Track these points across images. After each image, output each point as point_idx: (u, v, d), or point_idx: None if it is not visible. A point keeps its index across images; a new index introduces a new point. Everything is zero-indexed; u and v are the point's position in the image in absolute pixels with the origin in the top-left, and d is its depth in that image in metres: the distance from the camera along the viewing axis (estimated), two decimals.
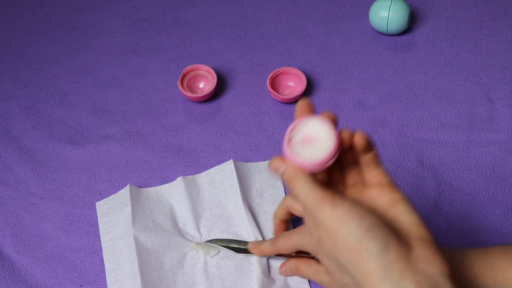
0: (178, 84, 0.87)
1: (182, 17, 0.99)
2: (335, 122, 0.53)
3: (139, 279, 0.69)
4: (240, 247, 0.71)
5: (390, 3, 0.90)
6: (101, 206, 0.78)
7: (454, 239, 0.74)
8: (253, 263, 0.71)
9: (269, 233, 0.74)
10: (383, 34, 0.94)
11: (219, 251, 0.73)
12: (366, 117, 0.85)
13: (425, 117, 0.85)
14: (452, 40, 0.93)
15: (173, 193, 0.78)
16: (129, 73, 0.92)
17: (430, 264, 0.47)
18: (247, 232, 0.73)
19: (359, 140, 0.52)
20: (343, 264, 0.50)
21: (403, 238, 0.49)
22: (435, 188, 0.78)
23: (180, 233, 0.75)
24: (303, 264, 0.66)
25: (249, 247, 0.70)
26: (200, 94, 0.86)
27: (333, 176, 0.56)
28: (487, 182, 0.78)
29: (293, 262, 0.67)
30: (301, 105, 0.54)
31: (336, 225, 0.49)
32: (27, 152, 0.84)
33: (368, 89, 0.88)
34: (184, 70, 0.88)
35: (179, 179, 0.78)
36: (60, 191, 0.80)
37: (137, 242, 0.72)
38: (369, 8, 0.94)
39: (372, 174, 0.54)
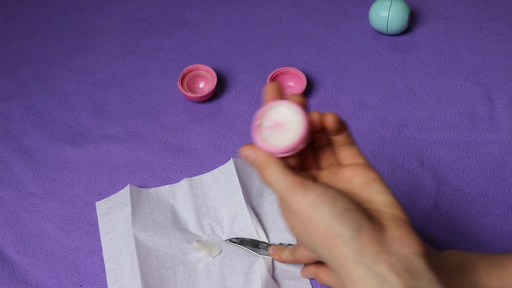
0: (178, 84, 0.87)
1: (182, 17, 0.99)
2: (304, 106, 0.52)
3: (139, 279, 0.69)
4: (260, 249, 0.71)
5: (390, 3, 0.90)
6: (101, 206, 0.78)
7: (454, 239, 0.74)
8: (259, 262, 0.71)
9: (269, 233, 0.74)
10: (383, 34, 0.94)
11: (221, 251, 0.73)
12: (366, 117, 0.85)
13: (425, 117, 0.85)
14: (452, 40, 0.93)
15: (174, 193, 0.78)
16: (129, 73, 0.93)
17: (403, 244, 0.47)
18: (249, 232, 0.74)
19: (330, 121, 0.51)
20: (318, 251, 0.50)
21: (376, 220, 0.48)
22: (435, 188, 0.78)
23: (182, 231, 0.75)
24: (322, 272, 0.65)
25: (270, 252, 0.69)
26: (200, 94, 0.86)
27: (307, 160, 0.55)
28: (487, 182, 0.78)
29: (312, 269, 0.67)
30: (270, 89, 0.53)
31: (308, 211, 0.48)
32: (27, 152, 0.84)
33: (368, 89, 0.88)
34: (184, 70, 0.88)
35: (184, 181, 0.79)
36: (60, 191, 0.80)
37: (137, 241, 0.73)
38: (369, 8, 0.94)
39: (346, 155, 0.54)
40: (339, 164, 0.54)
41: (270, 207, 0.76)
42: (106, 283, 0.72)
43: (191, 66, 0.89)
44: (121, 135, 0.85)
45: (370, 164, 0.53)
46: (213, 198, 0.77)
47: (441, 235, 0.74)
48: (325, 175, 0.54)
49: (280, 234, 0.74)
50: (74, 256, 0.75)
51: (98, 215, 0.77)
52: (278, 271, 0.71)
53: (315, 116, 0.52)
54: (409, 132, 0.83)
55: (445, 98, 0.87)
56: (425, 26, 0.95)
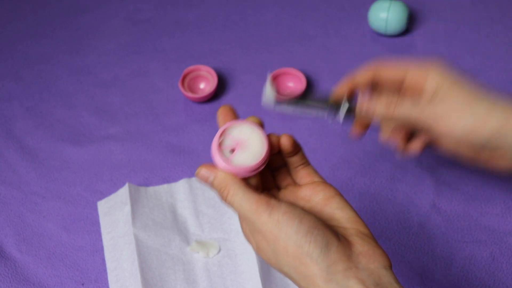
0: (179, 84, 0.87)
1: (183, 18, 0.99)
2: (262, 126, 0.52)
3: (139, 278, 0.70)
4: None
5: (389, 5, 0.90)
6: (102, 206, 0.78)
7: (453, 239, 0.74)
8: (254, 261, 0.72)
9: None
10: (382, 35, 0.94)
11: (219, 251, 0.73)
12: None
13: None
14: (450, 42, 0.93)
15: (173, 192, 0.78)
16: (130, 73, 0.93)
17: (370, 259, 0.47)
18: None
19: (286, 143, 0.51)
20: (286, 271, 0.49)
21: (342, 236, 0.48)
22: (434, 187, 0.78)
23: (181, 230, 0.75)
24: (394, 102, 0.61)
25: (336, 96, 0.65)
26: (200, 94, 0.87)
27: (266, 180, 0.55)
28: (485, 181, 0.78)
29: (382, 101, 0.62)
30: (222, 111, 0.53)
31: (275, 231, 0.48)
32: (30, 152, 0.85)
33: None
34: (185, 70, 0.89)
35: (183, 180, 0.79)
36: (62, 190, 0.81)
37: (137, 241, 0.73)
38: (368, 9, 0.95)
39: (302, 174, 0.54)
40: (296, 184, 0.54)
41: None
42: (108, 282, 0.72)
43: (192, 66, 0.89)
44: (123, 135, 0.86)
45: (327, 182, 0.53)
46: (213, 198, 0.78)
47: (439, 235, 0.74)
48: (285, 194, 0.54)
49: None
50: (76, 255, 0.75)
51: (99, 215, 0.78)
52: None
53: (273, 138, 0.52)
54: None
55: None
56: (424, 28, 0.95)
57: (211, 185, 0.51)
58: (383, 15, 0.91)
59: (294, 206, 0.49)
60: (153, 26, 0.99)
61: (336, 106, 0.64)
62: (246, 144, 0.51)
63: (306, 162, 0.54)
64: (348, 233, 0.49)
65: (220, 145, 0.51)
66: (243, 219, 0.51)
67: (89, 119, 0.88)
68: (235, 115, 0.53)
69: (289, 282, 0.71)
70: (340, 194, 0.52)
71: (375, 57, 0.92)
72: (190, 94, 0.87)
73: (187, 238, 0.75)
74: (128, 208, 0.76)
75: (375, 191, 0.78)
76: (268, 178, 0.55)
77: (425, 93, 0.61)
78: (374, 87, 0.65)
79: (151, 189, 0.79)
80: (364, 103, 0.63)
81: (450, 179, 0.79)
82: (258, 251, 0.51)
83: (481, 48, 0.92)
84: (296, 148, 0.53)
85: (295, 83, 0.88)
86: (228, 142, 0.51)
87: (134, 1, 1.02)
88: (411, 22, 0.96)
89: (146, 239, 0.73)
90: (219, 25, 0.98)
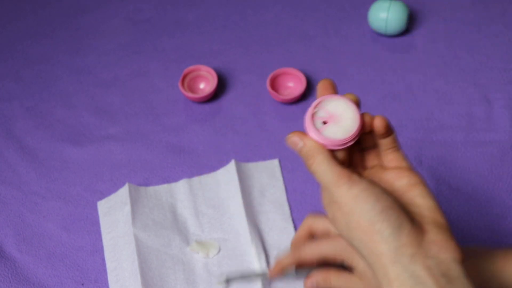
0: (179, 84, 0.87)
1: (183, 18, 0.99)
2: (358, 105, 0.53)
3: (139, 278, 0.70)
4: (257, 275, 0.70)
5: (389, 4, 0.90)
6: (102, 206, 0.78)
7: None
8: (254, 262, 0.72)
9: (269, 232, 0.75)
10: (382, 35, 0.94)
11: (219, 251, 0.73)
12: None
13: (424, 118, 0.85)
14: (450, 41, 0.93)
15: (173, 192, 0.78)
16: (130, 73, 0.93)
17: (442, 249, 0.47)
18: (245, 232, 0.74)
19: (379, 124, 0.52)
20: (356, 245, 0.50)
21: (417, 222, 0.49)
22: (434, 188, 0.78)
23: (181, 230, 0.75)
24: (333, 275, 0.65)
25: (270, 273, 0.69)
26: (200, 94, 0.87)
27: (354, 158, 0.55)
28: (485, 181, 0.78)
29: (321, 274, 0.66)
30: (323, 83, 0.54)
31: (351, 205, 0.49)
32: (30, 152, 0.85)
33: (367, 90, 0.89)
34: (185, 70, 0.89)
35: (183, 180, 0.79)
36: (62, 190, 0.81)
37: (137, 241, 0.73)
38: (368, 9, 0.95)
39: (390, 158, 0.54)
40: (383, 166, 0.55)
41: (271, 206, 0.77)
42: (108, 282, 0.72)
43: (192, 66, 0.89)
44: (123, 135, 0.86)
45: (414, 169, 0.54)
46: (213, 198, 0.78)
47: None
48: (369, 174, 0.55)
49: (280, 234, 0.75)
50: (76, 255, 0.75)
51: (99, 215, 0.78)
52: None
53: (366, 118, 0.52)
54: (407, 132, 0.84)
55: (443, 99, 0.87)
56: (424, 27, 0.95)
57: (299, 152, 0.52)
58: (383, 15, 0.91)
59: (374, 184, 0.50)
60: (153, 26, 0.99)
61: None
62: (338, 118, 0.52)
63: (396, 147, 0.54)
64: (424, 220, 0.49)
65: (313, 115, 0.52)
66: (324, 189, 0.52)
67: (89, 119, 0.88)
68: (335, 90, 0.54)
69: (289, 282, 0.71)
70: (424, 183, 0.52)
71: (375, 56, 0.92)
72: (190, 94, 0.87)
73: (187, 238, 0.75)
74: (128, 208, 0.76)
75: None
76: (357, 156, 0.55)
77: (356, 273, 0.64)
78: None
79: (151, 189, 0.79)
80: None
81: (450, 180, 0.79)
82: (332, 221, 0.52)
83: (481, 48, 0.92)
84: (389, 130, 0.53)
85: (295, 83, 0.88)
86: (322, 114, 0.52)
87: (134, 1, 1.02)
88: (411, 22, 0.96)
89: (146, 239, 0.73)
90: (219, 25, 0.98)
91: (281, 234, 0.75)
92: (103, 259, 0.74)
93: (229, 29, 0.97)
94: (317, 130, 0.51)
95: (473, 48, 0.92)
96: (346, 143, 0.51)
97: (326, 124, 0.51)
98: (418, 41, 0.94)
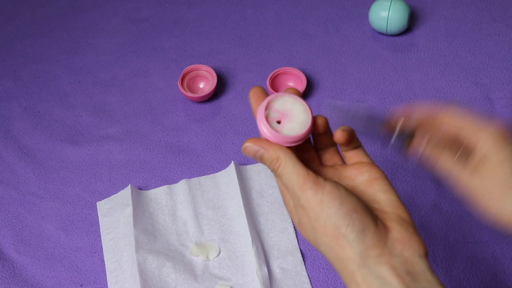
0: (178, 84, 0.87)
1: (182, 17, 0.99)
2: (300, 96, 0.53)
3: (139, 280, 0.70)
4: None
5: (390, 3, 0.90)
6: (102, 206, 0.78)
7: (454, 239, 0.74)
8: (254, 262, 0.71)
9: (269, 232, 0.74)
10: (383, 34, 0.94)
11: (219, 253, 0.73)
12: None
13: None
14: (451, 40, 0.93)
15: (173, 194, 0.78)
16: (129, 73, 0.93)
17: (406, 247, 0.47)
18: (245, 233, 0.74)
19: (319, 122, 0.52)
20: (323, 250, 0.50)
21: (380, 221, 0.49)
22: (435, 187, 0.78)
23: (180, 233, 0.75)
24: (444, 151, 0.58)
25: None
26: (200, 94, 0.86)
27: (307, 154, 0.55)
28: None
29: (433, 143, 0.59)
30: (255, 91, 0.53)
31: (317, 210, 0.48)
32: (28, 152, 0.84)
33: (367, 89, 0.88)
34: (184, 70, 0.88)
35: (183, 181, 0.79)
36: (61, 191, 0.81)
37: (137, 242, 0.73)
38: (369, 8, 0.94)
39: (350, 154, 0.54)
40: (343, 163, 0.55)
41: (270, 207, 0.77)
42: (107, 283, 0.72)
43: (191, 66, 0.89)
44: (121, 135, 0.85)
45: (374, 163, 0.54)
46: (212, 199, 0.77)
47: (440, 235, 0.74)
48: (328, 171, 0.54)
49: (280, 234, 0.75)
50: (75, 256, 0.75)
51: (99, 215, 0.77)
52: (277, 271, 0.72)
53: (320, 120, 0.52)
54: None
55: (444, 98, 0.87)
56: (425, 26, 0.95)
57: (261, 158, 0.51)
58: (384, 14, 0.90)
59: (338, 186, 0.49)
60: (152, 25, 0.99)
61: (390, 133, 0.62)
62: (291, 114, 0.51)
63: (358, 146, 0.54)
64: (387, 217, 0.49)
65: (267, 116, 0.51)
66: (290, 193, 0.51)
67: (88, 119, 0.87)
68: (267, 94, 0.53)
69: (289, 283, 0.71)
70: (385, 177, 0.52)
71: (376, 56, 0.92)
72: (189, 94, 0.86)
73: (187, 240, 0.74)
74: (129, 209, 0.75)
75: None
76: (312, 155, 0.55)
77: (474, 156, 0.56)
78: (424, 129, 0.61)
79: (152, 192, 0.78)
80: (420, 144, 0.60)
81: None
82: (298, 226, 0.51)
83: (482, 47, 0.92)
84: (349, 139, 0.52)
85: (295, 83, 0.88)
86: (274, 115, 0.51)
87: (133, 0, 1.02)
88: (412, 21, 0.95)
89: (146, 242, 0.73)
90: (219, 24, 0.98)
91: (281, 235, 0.74)
92: (102, 260, 0.74)
93: (229, 28, 0.97)
94: (276, 131, 0.51)
95: (474, 47, 0.92)
96: (305, 136, 0.51)
97: (281, 123, 0.51)
98: (419, 40, 0.93)
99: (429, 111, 0.60)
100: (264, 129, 0.51)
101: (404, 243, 0.48)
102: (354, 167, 0.53)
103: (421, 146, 0.60)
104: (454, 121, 0.59)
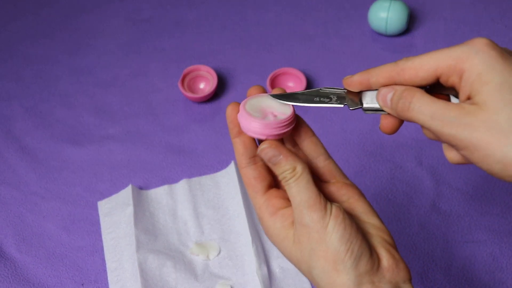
0: (179, 84, 0.87)
1: (183, 18, 0.99)
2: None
3: (139, 279, 0.70)
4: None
5: (389, 4, 0.90)
6: (103, 206, 0.78)
7: (453, 239, 0.74)
8: (254, 262, 0.72)
9: None
10: (382, 35, 0.94)
11: (219, 252, 0.73)
12: (365, 118, 0.85)
13: None
14: (450, 41, 0.93)
15: (173, 194, 0.78)
16: (130, 73, 0.93)
17: (394, 273, 0.48)
18: (245, 233, 0.74)
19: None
20: (315, 273, 0.49)
21: (372, 247, 0.49)
22: (434, 187, 0.78)
23: (181, 233, 0.75)
24: (417, 93, 0.49)
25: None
26: (200, 94, 0.87)
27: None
28: (485, 181, 0.78)
29: (401, 87, 0.51)
30: (231, 109, 0.52)
31: (322, 233, 0.48)
32: (29, 152, 0.85)
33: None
34: (184, 70, 0.89)
35: (183, 181, 0.79)
36: (62, 190, 0.81)
37: (138, 242, 0.73)
38: (368, 9, 0.95)
39: (323, 171, 0.53)
40: (319, 178, 0.53)
41: None
42: (107, 282, 0.72)
43: (192, 66, 0.89)
44: (122, 135, 0.86)
45: (351, 182, 0.53)
46: (212, 199, 0.78)
47: (439, 235, 0.74)
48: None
49: None
50: (76, 255, 0.75)
51: (100, 215, 0.78)
52: (277, 270, 0.72)
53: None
54: (407, 132, 0.83)
55: None
56: (424, 27, 0.95)
57: (275, 164, 0.49)
58: (383, 14, 0.90)
59: (342, 209, 0.48)
60: (153, 26, 0.99)
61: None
62: (270, 108, 0.51)
63: (322, 153, 0.53)
64: (374, 241, 0.50)
65: (250, 116, 0.50)
66: (294, 206, 0.49)
67: (89, 119, 0.88)
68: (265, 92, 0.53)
69: (289, 282, 0.71)
70: (363, 196, 0.52)
71: (375, 56, 0.92)
72: (190, 94, 0.87)
73: (187, 240, 0.75)
74: (130, 209, 0.76)
75: (375, 191, 0.78)
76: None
77: (460, 94, 0.47)
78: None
79: (152, 192, 0.79)
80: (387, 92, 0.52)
81: (450, 179, 0.79)
82: (294, 243, 0.50)
83: None
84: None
85: (295, 83, 0.88)
86: (256, 114, 0.50)
87: (134, 1, 1.02)
88: (412, 21, 0.96)
89: (146, 241, 0.73)
90: (219, 25, 0.98)
91: None
92: (103, 260, 0.74)
93: (229, 29, 0.97)
94: (260, 118, 0.49)
95: None
96: (293, 116, 0.50)
97: (263, 116, 0.50)
98: (418, 41, 0.94)
99: (389, 73, 0.54)
100: (253, 123, 0.49)
101: (392, 271, 0.48)
102: (334, 185, 0.52)
103: (389, 93, 0.52)
104: (424, 63, 0.50)
